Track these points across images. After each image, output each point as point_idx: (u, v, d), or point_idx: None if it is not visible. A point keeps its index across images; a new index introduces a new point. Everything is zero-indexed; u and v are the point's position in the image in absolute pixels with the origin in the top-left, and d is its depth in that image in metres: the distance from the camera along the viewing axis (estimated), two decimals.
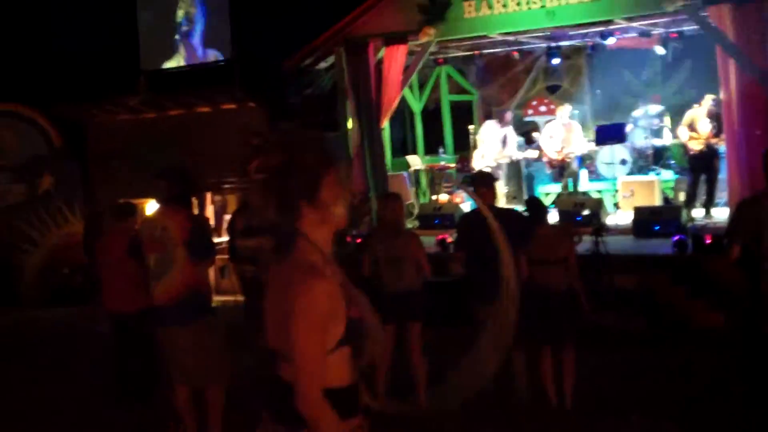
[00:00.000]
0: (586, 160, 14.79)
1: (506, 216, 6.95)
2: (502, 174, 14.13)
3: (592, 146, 14.27)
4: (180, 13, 17.07)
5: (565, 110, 13.95)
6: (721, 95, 11.39)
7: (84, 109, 16.63)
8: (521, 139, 14.85)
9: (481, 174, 7.92)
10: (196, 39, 16.91)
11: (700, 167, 12.24)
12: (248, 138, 2.98)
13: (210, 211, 14.74)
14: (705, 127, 12.06)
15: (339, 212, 2.88)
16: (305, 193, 2.82)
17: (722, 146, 11.87)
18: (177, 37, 17.08)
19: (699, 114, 12.21)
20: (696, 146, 12.17)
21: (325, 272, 2.78)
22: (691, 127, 12.23)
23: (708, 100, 12.23)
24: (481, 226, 6.77)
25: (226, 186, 14.98)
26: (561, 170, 13.75)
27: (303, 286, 2.71)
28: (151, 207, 12.86)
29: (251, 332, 5.43)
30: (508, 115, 14.51)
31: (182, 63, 17.11)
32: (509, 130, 14.34)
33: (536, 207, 6.98)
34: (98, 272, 7.67)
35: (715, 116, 11.97)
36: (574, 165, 13.75)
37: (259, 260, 5.28)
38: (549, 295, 6.60)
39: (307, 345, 2.70)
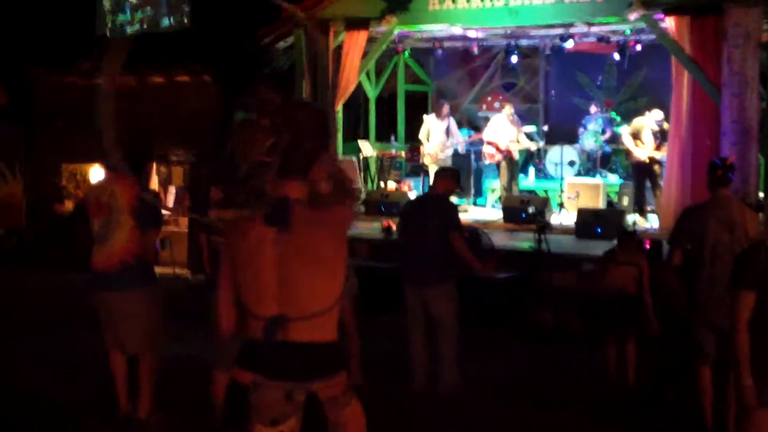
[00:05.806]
0: (534, 158, 14.95)
1: (437, 202, 7.04)
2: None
3: (534, 145, 14.39)
4: None
5: (509, 108, 13.98)
6: (672, 105, 11.52)
7: (32, 70, 16.33)
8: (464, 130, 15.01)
9: (445, 168, 8.11)
10: (155, 7, 16.63)
11: (642, 174, 12.47)
12: (258, 119, 3.07)
13: (155, 182, 14.57)
14: (649, 139, 12.25)
15: (322, 188, 3.16)
16: (301, 171, 3.14)
17: (664, 156, 12.04)
18: (135, 2, 16.80)
19: (645, 125, 12.39)
20: (639, 155, 12.37)
21: None
22: (636, 136, 12.41)
23: (655, 114, 12.41)
24: (422, 213, 6.93)
25: (174, 158, 14.82)
26: (505, 164, 13.75)
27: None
28: (96, 172, 12.75)
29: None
30: (446, 108, 14.34)
31: (138, 30, 16.84)
32: (451, 121, 14.32)
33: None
34: None
35: (659, 132, 12.21)
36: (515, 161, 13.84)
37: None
38: (616, 295, 7.05)
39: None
